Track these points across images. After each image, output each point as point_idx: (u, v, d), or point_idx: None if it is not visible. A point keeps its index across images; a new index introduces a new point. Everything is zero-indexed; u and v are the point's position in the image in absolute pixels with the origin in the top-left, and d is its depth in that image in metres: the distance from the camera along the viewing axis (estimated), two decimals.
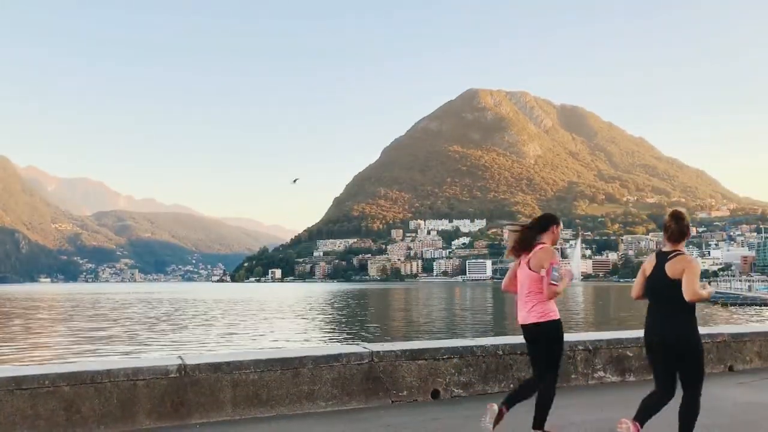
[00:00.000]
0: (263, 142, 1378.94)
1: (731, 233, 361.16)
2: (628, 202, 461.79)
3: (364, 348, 5.49)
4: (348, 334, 29.88)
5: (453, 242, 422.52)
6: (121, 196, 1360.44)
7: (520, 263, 4.51)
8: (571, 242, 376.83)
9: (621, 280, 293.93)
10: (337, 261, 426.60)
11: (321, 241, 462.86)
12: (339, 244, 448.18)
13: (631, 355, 6.34)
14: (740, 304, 59.07)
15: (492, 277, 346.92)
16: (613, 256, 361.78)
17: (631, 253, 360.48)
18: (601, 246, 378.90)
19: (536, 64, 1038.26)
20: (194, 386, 4.82)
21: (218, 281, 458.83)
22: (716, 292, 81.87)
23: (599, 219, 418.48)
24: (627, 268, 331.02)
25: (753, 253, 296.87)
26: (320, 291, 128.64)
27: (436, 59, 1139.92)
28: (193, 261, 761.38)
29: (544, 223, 4.50)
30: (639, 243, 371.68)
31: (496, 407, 4.28)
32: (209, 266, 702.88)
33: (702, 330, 7.26)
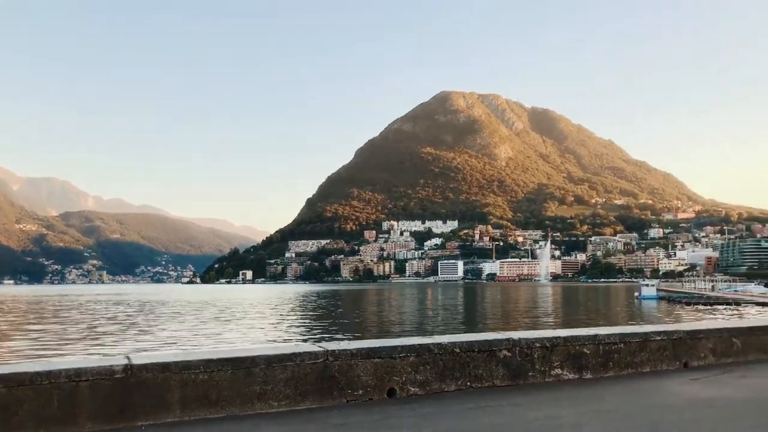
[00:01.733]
0: (235, 142, 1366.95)
1: (696, 234, 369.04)
2: (597, 203, 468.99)
3: (320, 347, 5.39)
4: (309, 334, 29.73)
5: (425, 243, 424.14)
6: (89, 197, 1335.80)
7: None
8: (540, 243, 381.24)
9: (589, 280, 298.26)
10: (309, 262, 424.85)
11: (293, 242, 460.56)
12: (311, 245, 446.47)
13: (587, 352, 6.35)
14: (704, 304, 60.42)
15: (463, 278, 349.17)
16: (581, 257, 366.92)
17: (599, 253, 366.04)
18: (570, 246, 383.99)
19: (508, 67, 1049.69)
20: (141, 387, 4.66)
21: (188, 282, 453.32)
22: (680, 292, 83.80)
23: (568, 220, 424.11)
24: (595, 269, 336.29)
25: (716, 254, 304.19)
26: (291, 292, 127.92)
27: (410, 62, 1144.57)
28: (163, 262, 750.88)
29: None
30: (607, 244, 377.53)
31: None
32: (179, 267, 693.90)
33: (658, 327, 7.37)
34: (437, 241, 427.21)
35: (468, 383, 5.78)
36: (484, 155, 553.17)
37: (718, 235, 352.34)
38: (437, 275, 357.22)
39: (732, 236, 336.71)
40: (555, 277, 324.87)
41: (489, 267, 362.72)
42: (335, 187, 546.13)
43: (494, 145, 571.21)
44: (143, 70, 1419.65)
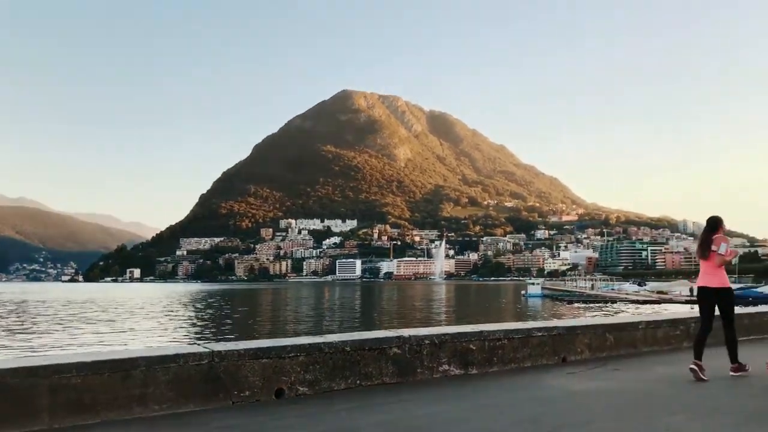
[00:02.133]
0: (124, 134, 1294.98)
1: (579, 236, 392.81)
2: (489, 205, 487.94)
3: (205, 348, 5.21)
4: (197, 335, 28.86)
5: (324, 242, 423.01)
6: None
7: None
8: (436, 242, 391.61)
9: (480, 278, 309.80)
10: (201, 260, 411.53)
11: (185, 239, 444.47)
12: (204, 243, 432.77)
13: (474, 348, 6.55)
14: (584, 302, 64.28)
15: (361, 277, 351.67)
16: (473, 256, 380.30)
17: (490, 253, 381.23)
18: (463, 246, 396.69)
19: (408, 69, 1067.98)
20: (5, 394, 4.30)
21: (69, 281, 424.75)
22: (563, 291, 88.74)
23: (462, 221, 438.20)
24: (486, 267, 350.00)
25: (596, 255, 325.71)
26: (181, 291, 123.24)
27: (311, 59, 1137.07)
28: (41, 259, 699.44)
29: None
30: (497, 244, 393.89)
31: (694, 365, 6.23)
32: (59, 265, 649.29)
33: (539, 324, 7.73)
34: (336, 240, 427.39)
35: (358, 381, 5.80)
36: (384, 155, 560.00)
37: (598, 237, 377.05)
38: (335, 274, 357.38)
39: (610, 238, 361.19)
40: (449, 276, 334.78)
41: (386, 266, 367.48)
42: (231, 183, 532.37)
43: (394, 145, 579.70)
44: (23, 51, 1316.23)
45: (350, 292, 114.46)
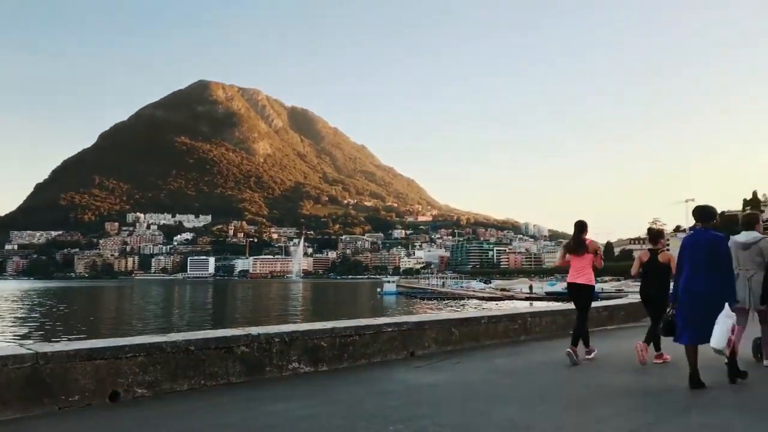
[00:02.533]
0: None
1: (432, 236, 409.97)
2: (349, 204, 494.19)
3: (28, 350, 4.72)
4: (23, 337, 26.47)
5: (175, 238, 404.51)
6: None
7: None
8: (295, 240, 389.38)
9: (338, 277, 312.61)
10: (35, 255, 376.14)
11: (16, 232, 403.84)
12: (39, 237, 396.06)
13: (325, 345, 6.55)
14: (435, 298, 67.21)
15: (214, 275, 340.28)
16: (332, 255, 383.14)
17: (348, 251, 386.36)
18: (322, 244, 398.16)
19: (271, 63, 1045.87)
20: None
21: None
22: (417, 288, 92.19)
23: (322, 219, 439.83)
24: (344, 266, 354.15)
25: (448, 254, 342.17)
26: (10, 289, 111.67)
27: (167, 44, 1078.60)
28: None
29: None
30: (356, 243, 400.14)
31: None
32: None
33: (390, 320, 7.91)
34: (188, 236, 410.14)
35: (203, 382, 5.57)
36: (242, 150, 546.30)
37: (450, 237, 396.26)
38: (186, 272, 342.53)
39: (461, 238, 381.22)
40: (306, 275, 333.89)
41: (242, 264, 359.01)
42: (73, 173, 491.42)
43: (253, 140, 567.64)
44: None
45: (202, 291, 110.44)
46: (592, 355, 7.48)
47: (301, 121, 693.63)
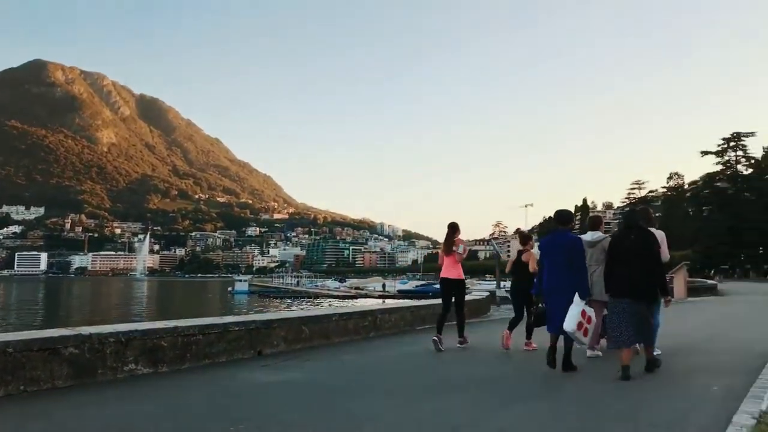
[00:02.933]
0: None
1: (288, 234, 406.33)
2: (200, 199, 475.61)
3: None
4: None
5: (1, 231, 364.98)
6: None
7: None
8: (140, 236, 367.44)
9: (186, 275, 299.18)
10: None
11: None
12: None
13: (165, 345, 6.22)
14: (289, 297, 66.71)
15: (46, 272, 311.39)
16: (181, 252, 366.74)
17: (198, 249, 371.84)
18: (170, 241, 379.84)
19: (119, 47, 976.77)
20: None
21: None
22: (270, 287, 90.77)
23: (171, 214, 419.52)
24: (194, 264, 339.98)
25: (304, 253, 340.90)
26: None
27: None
28: None
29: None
30: (207, 240, 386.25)
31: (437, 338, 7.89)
32: None
33: (237, 318, 7.72)
34: (17, 229, 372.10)
35: (22, 387, 5.05)
36: (83, 137, 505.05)
37: (306, 236, 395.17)
38: (13, 269, 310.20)
39: (317, 237, 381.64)
40: (152, 272, 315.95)
41: (79, 260, 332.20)
42: None
43: (96, 128, 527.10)
44: None
45: (30, 289, 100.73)
46: (465, 345, 8.27)
47: (151, 110, 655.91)
